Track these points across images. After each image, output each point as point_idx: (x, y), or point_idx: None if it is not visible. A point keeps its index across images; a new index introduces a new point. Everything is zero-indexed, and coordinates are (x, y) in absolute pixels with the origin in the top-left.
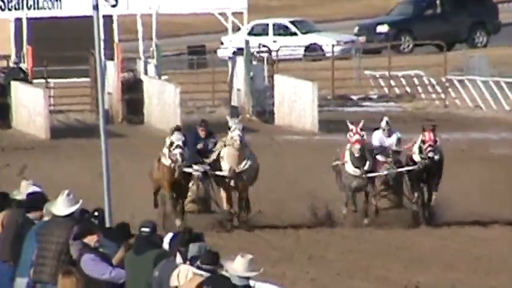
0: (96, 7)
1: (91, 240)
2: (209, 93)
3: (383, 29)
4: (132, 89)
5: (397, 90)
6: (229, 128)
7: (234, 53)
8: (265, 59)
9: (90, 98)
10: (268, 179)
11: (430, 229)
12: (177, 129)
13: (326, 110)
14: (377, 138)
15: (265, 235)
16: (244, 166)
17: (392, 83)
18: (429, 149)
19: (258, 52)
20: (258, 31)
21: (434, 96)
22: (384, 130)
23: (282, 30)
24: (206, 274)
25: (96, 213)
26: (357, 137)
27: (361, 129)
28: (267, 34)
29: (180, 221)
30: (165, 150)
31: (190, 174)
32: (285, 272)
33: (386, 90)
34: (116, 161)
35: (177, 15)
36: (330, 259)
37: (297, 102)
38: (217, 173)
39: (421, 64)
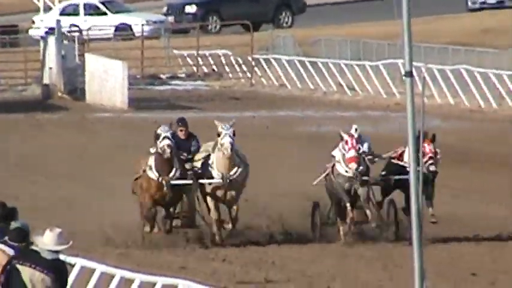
0: None
1: None
2: (22, 71)
3: (191, 9)
4: None
5: (205, 69)
6: (218, 135)
7: (46, 32)
8: (76, 38)
9: None
10: (81, 157)
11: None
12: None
13: (136, 88)
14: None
15: None
16: (235, 173)
17: (201, 62)
18: (430, 161)
19: (69, 32)
20: (69, 11)
21: (241, 74)
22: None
23: (92, 11)
24: (9, 250)
25: None
26: (352, 153)
27: (357, 141)
28: (77, 14)
29: (149, 228)
30: (151, 162)
31: (180, 189)
32: (93, 245)
33: (194, 69)
34: None
35: None
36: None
37: (107, 80)
38: (210, 181)
39: (228, 44)
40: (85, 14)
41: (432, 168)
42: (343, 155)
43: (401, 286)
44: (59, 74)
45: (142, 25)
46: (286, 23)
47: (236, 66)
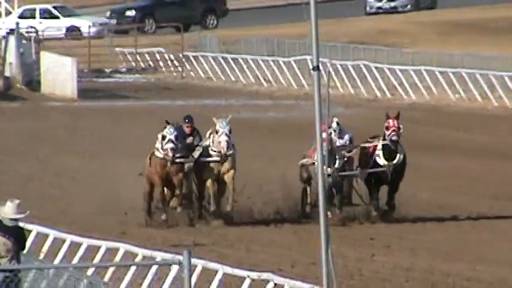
0: None
1: None
2: None
3: (131, 13)
4: None
5: (142, 64)
6: (216, 132)
7: (7, 33)
8: (32, 38)
9: None
10: (36, 139)
11: None
12: (169, 123)
13: (84, 80)
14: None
15: None
16: (230, 151)
17: (139, 58)
18: (393, 133)
19: (26, 32)
20: (27, 15)
21: (173, 69)
22: (334, 131)
23: (47, 14)
24: None
25: None
26: (324, 135)
27: (329, 127)
28: (34, 17)
29: (165, 215)
30: (158, 145)
31: (182, 167)
32: (48, 214)
33: (133, 64)
34: None
35: None
36: None
37: (59, 74)
38: (209, 159)
39: (162, 43)
40: (40, 18)
41: (394, 137)
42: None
43: (307, 247)
44: (18, 68)
45: (89, 27)
46: (212, 25)
47: (169, 61)
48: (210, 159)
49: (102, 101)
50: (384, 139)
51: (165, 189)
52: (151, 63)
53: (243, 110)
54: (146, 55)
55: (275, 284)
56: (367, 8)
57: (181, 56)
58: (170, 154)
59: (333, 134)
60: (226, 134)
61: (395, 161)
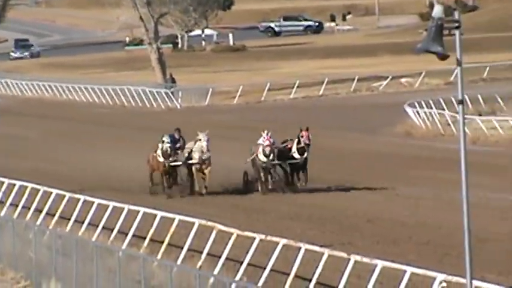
0: None
1: None
2: None
3: None
4: None
5: None
6: (200, 140)
7: None
8: None
9: None
10: None
11: None
12: (166, 134)
13: None
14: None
15: None
16: (206, 156)
17: None
18: (306, 140)
19: None
20: None
21: None
22: (263, 137)
23: None
24: None
25: None
26: (267, 142)
27: (270, 137)
28: None
29: (166, 189)
30: (159, 152)
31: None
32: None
33: None
34: None
35: None
36: None
37: None
38: (191, 161)
39: None
40: None
41: (307, 142)
42: (263, 147)
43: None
44: None
45: None
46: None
47: None
48: (193, 161)
49: None
50: (299, 143)
51: (166, 176)
52: None
53: (20, 107)
54: None
55: None
56: (10, 57)
57: None
58: (169, 149)
59: (262, 139)
60: (205, 141)
61: (304, 156)
